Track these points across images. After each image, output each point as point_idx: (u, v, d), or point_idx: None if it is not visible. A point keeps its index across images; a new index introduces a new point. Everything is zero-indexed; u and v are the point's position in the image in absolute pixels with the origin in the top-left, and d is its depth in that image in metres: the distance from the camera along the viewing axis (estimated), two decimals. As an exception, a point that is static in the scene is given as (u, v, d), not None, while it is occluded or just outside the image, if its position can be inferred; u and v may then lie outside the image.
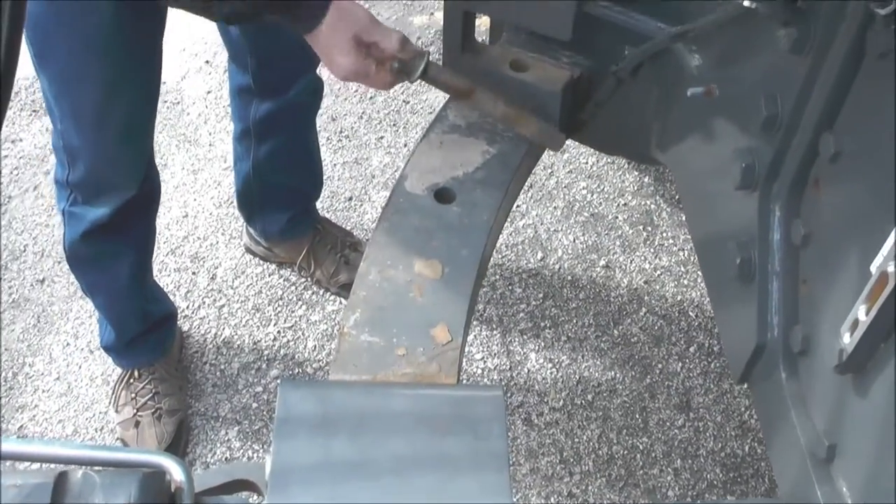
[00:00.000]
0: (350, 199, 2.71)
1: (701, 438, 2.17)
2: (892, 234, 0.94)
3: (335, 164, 2.80)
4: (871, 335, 0.97)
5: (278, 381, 2.27)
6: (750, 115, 1.23)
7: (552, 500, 2.08)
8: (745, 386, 1.40)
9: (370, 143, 2.88)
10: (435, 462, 1.01)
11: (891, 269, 0.92)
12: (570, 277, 2.49)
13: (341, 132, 2.91)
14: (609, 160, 2.79)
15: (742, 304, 1.30)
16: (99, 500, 1.01)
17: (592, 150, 2.81)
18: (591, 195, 2.70)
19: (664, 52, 1.56)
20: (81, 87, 1.69)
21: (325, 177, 2.73)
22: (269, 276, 2.50)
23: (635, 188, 2.72)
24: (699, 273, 2.49)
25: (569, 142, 2.85)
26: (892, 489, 0.98)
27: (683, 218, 2.62)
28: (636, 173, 2.76)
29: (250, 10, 1.32)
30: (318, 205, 2.56)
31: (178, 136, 2.92)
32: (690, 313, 2.41)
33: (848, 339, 1.01)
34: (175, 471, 1.09)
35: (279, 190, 2.36)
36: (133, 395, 2.19)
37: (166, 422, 2.16)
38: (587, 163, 2.79)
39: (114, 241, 1.96)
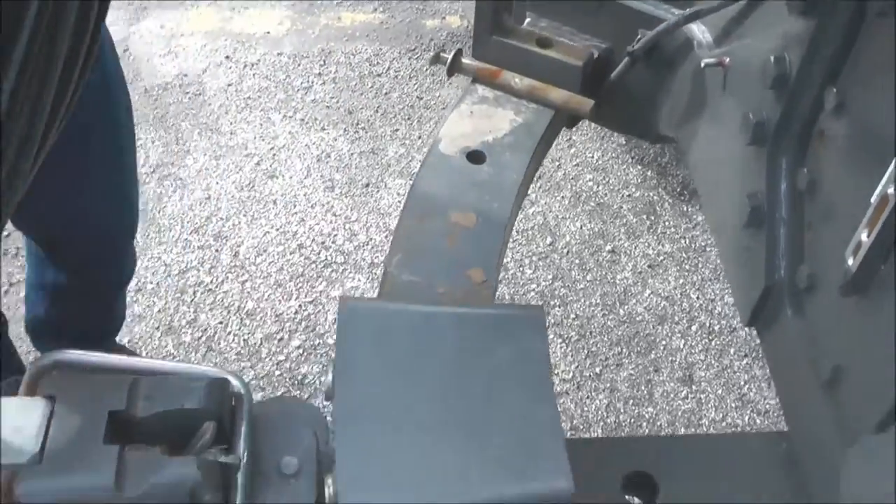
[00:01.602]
0: (367, 185, 2.83)
1: (703, 409, 2.29)
2: (893, 162, 1.07)
3: (352, 154, 2.93)
4: (872, 255, 1.09)
5: (300, 350, 2.39)
6: (760, 76, 1.36)
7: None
8: (753, 330, 1.52)
9: (385, 135, 3.01)
10: (484, 369, 1.13)
11: (890, 190, 1.04)
12: (577, 261, 2.61)
13: (357, 124, 3.04)
14: (614, 154, 2.93)
15: (751, 250, 1.42)
16: (171, 402, 1.12)
17: (598, 145, 2.96)
18: (597, 186, 2.84)
19: (677, 32, 1.69)
20: None
21: (342, 164, 2.87)
22: (290, 254, 2.62)
23: (639, 181, 2.85)
24: (700, 259, 2.62)
25: (575, 136, 3.00)
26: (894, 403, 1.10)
27: (685, 209, 2.76)
28: (640, 167, 2.89)
29: None
30: (337, 190, 2.69)
31: (199, 125, 3.04)
32: (692, 295, 2.53)
33: (852, 262, 1.13)
34: (235, 382, 1.20)
35: None
36: None
37: None
38: (593, 157, 2.93)
39: None
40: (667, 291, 2.54)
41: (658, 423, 2.27)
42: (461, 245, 1.47)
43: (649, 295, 2.53)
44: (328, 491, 1.13)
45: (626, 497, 1.36)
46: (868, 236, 1.09)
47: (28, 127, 0.90)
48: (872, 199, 1.11)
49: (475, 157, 1.64)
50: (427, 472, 1.06)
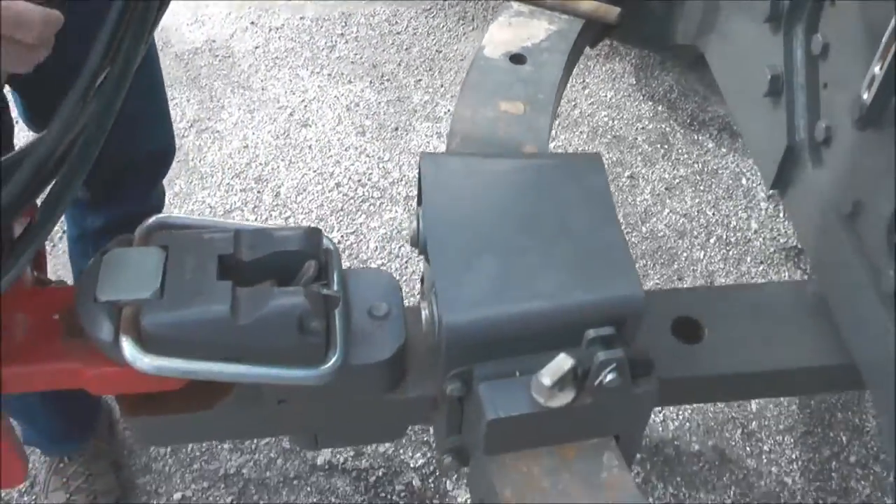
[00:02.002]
0: (396, 129, 3.00)
1: (724, 310, 2.46)
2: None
3: (380, 102, 3.10)
4: (885, 85, 1.26)
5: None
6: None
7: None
8: (777, 194, 1.69)
9: (409, 84, 3.18)
10: (555, 202, 1.29)
11: (899, 22, 1.21)
12: (599, 187, 2.78)
13: (382, 76, 3.21)
14: (626, 93, 3.10)
15: (772, 117, 1.59)
16: (273, 247, 1.27)
17: (610, 85, 3.13)
18: (612, 122, 3.01)
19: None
20: None
21: (371, 112, 3.04)
22: (329, 192, 2.78)
23: (651, 115, 3.02)
24: (713, 180, 2.79)
25: (588, 79, 3.17)
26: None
27: (696, 138, 2.93)
28: (651, 103, 3.06)
29: None
30: (368, 135, 2.85)
31: (231, 84, 3.21)
32: (708, 212, 2.70)
33: (866, 96, 1.30)
34: (325, 240, 1.35)
35: None
36: (64, 479, 2.10)
37: None
38: (606, 96, 3.10)
39: None
40: (684, 209, 2.71)
41: (684, 325, 2.43)
42: (514, 128, 1.64)
43: (668, 213, 2.70)
44: (424, 314, 1.29)
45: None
46: (881, 69, 1.26)
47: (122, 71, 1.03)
48: (885, 37, 1.28)
49: (517, 58, 1.82)
50: (513, 286, 1.22)
